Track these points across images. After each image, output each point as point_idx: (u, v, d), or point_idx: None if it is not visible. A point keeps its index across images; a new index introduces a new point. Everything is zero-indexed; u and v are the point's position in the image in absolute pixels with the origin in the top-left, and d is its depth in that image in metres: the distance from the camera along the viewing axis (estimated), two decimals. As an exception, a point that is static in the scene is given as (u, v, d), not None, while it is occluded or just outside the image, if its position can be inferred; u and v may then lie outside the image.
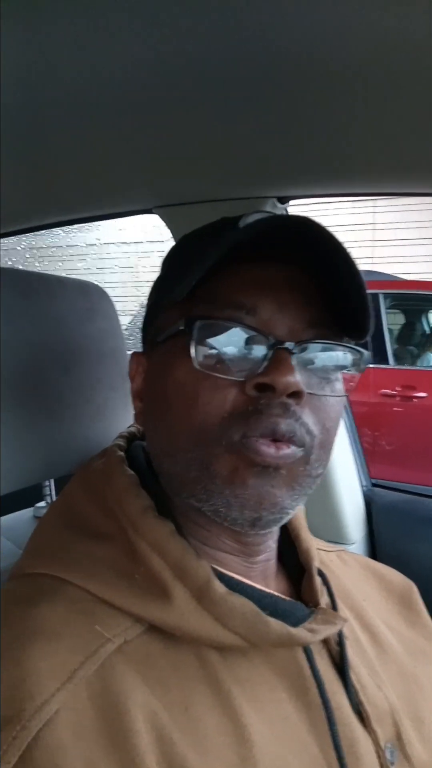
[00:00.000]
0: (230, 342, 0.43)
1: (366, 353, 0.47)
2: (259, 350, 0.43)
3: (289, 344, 0.43)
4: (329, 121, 0.59)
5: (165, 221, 0.92)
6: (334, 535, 0.99)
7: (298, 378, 0.42)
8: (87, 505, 0.47)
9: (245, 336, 0.44)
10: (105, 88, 0.54)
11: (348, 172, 0.74)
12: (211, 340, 0.43)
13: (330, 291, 0.45)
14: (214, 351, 0.43)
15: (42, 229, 1.00)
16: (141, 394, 0.52)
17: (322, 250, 0.42)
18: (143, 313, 0.55)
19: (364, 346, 0.47)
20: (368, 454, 1.17)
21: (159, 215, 0.91)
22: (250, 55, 0.47)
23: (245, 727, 0.39)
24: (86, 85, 0.53)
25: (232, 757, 0.38)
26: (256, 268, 0.45)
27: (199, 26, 0.44)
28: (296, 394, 0.42)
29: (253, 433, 0.41)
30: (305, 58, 0.47)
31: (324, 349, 0.46)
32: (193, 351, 0.43)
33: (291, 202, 0.87)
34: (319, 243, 0.42)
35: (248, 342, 0.44)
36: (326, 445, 0.46)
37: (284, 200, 0.84)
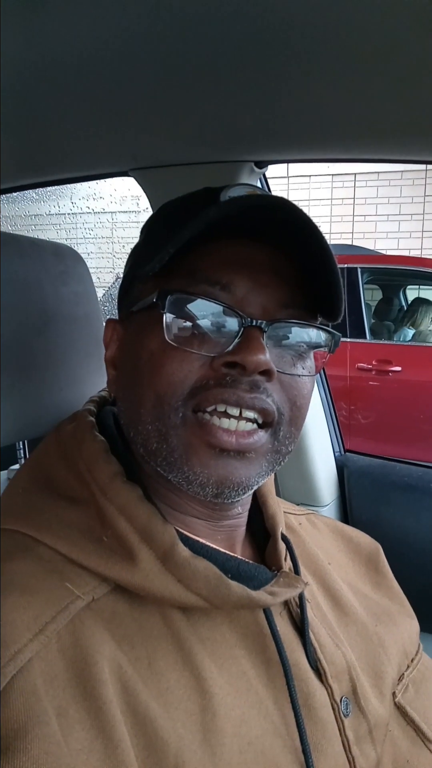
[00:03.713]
0: (203, 317, 0.44)
1: (338, 335, 0.48)
2: (232, 327, 0.44)
3: (261, 323, 0.43)
4: (306, 85, 0.58)
5: (141, 184, 0.90)
6: (307, 497, 1.01)
7: (268, 357, 0.42)
8: (59, 468, 0.48)
9: (218, 312, 0.44)
10: (82, 48, 0.53)
11: (325, 138, 0.74)
12: (183, 315, 0.44)
13: (304, 272, 0.45)
14: (186, 325, 0.44)
15: (14, 191, 0.98)
16: (115, 362, 0.52)
17: (297, 231, 0.43)
18: (118, 285, 0.55)
19: (338, 328, 0.48)
20: (345, 428, 1.19)
21: (135, 178, 0.89)
22: (232, 17, 0.46)
23: (205, 681, 0.41)
24: (62, 45, 0.52)
25: (193, 707, 0.40)
26: (232, 244, 0.45)
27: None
28: (266, 373, 0.43)
29: (210, 404, 0.42)
30: (285, 22, 0.46)
31: (296, 329, 0.46)
32: (165, 324, 0.43)
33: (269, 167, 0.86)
34: (295, 224, 0.42)
35: (220, 318, 0.44)
36: (296, 422, 0.47)
37: (261, 165, 0.83)
